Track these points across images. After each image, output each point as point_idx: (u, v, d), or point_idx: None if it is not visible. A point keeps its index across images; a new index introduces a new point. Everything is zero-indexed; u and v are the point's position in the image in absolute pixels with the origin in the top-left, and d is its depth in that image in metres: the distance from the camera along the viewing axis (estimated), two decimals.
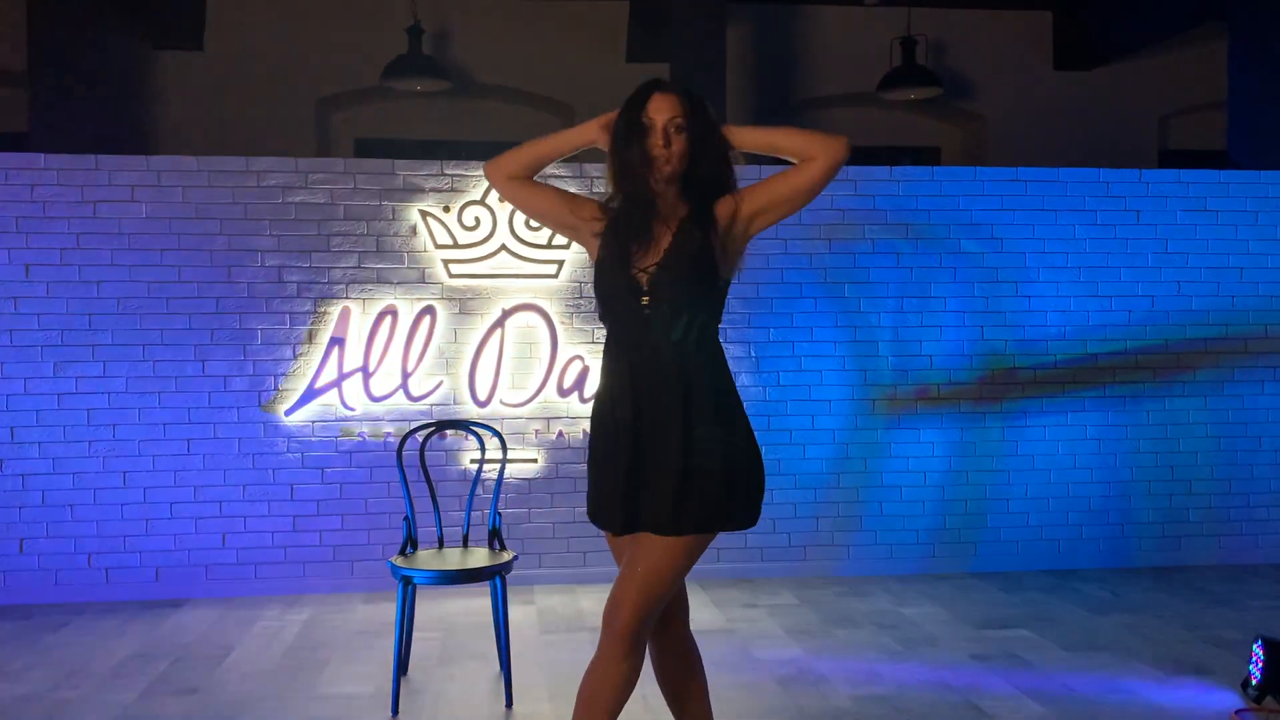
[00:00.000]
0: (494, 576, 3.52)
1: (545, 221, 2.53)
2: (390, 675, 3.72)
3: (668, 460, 2.25)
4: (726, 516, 2.31)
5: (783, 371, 5.24)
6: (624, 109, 2.31)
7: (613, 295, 2.30)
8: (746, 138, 2.37)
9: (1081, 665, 3.91)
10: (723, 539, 5.20)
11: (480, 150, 7.40)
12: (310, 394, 4.97)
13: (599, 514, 2.40)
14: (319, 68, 7.76)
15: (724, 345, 5.19)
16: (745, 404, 5.18)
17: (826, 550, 5.27)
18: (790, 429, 5.24)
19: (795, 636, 4.26)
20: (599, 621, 4.47)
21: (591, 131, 2.39)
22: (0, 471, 4.81)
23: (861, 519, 5.30)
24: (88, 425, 4.86)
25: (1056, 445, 5.41)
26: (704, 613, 4.60)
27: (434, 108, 8.03)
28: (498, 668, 3.81)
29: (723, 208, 2.34)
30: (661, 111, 2.28)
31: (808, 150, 2.35)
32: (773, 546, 5.24)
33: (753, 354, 5.23)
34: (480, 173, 5.09)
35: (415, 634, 4.03)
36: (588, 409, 5.10)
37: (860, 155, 7.69)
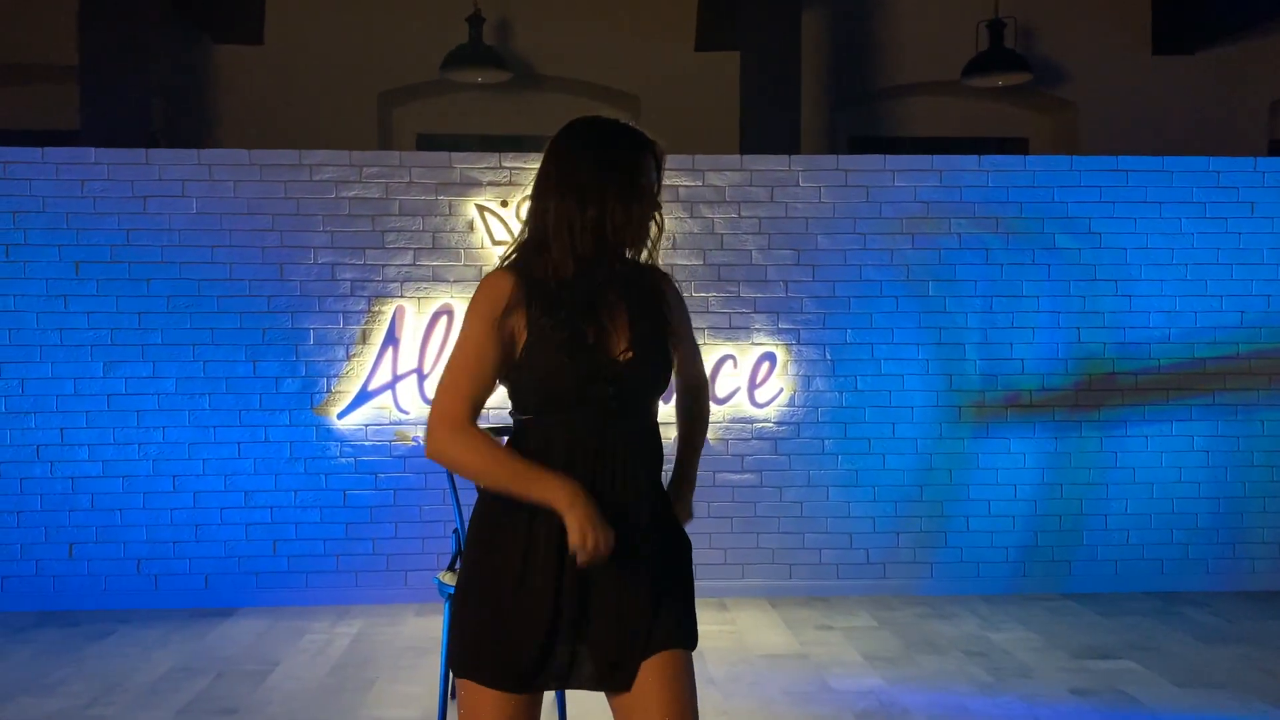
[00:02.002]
0: None
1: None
2: (437, 698, 3.48)
3: (639, 575, 1.84)
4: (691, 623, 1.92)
5: (861, 376, 4.91)
6: (626, 163, 1.85)
7: (569, 387, 1.82)
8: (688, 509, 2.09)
9: (1196, 704, 3.52)
10: (798, 554, 4.89)
11: (543, 144, 7.16)
12: (364, 396, 4.77)
13: (507, 666, 1.80)
14: (379, 61, 7.60)
15: (797, 346, 4.93)
16: (820, 410, 4.90)
17: (907, 568, 4.92)
18: (869, 437, 4.90)
19: (874, 664, 3.93)
20: None
21: (558, 500, 1.77)
22: (50, 474, 4.70)
23: (946, 535, 4.94)
24: (137, 427, 4.72)
25: (1160, 457, 4.99)
26: (775, 635, 4.29)
27: (496, 101, 7.83)
28: (553, 693, 3.55)
29: (667, 285, 1.98)
30: (657, 175, 1.90)
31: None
32: (849, 563, 4.90)
33: (828, 357, 4.91)
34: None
35: None
36: None
37: (942, 146, 7.33)
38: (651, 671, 1.82)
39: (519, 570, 1.81)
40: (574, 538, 1.75)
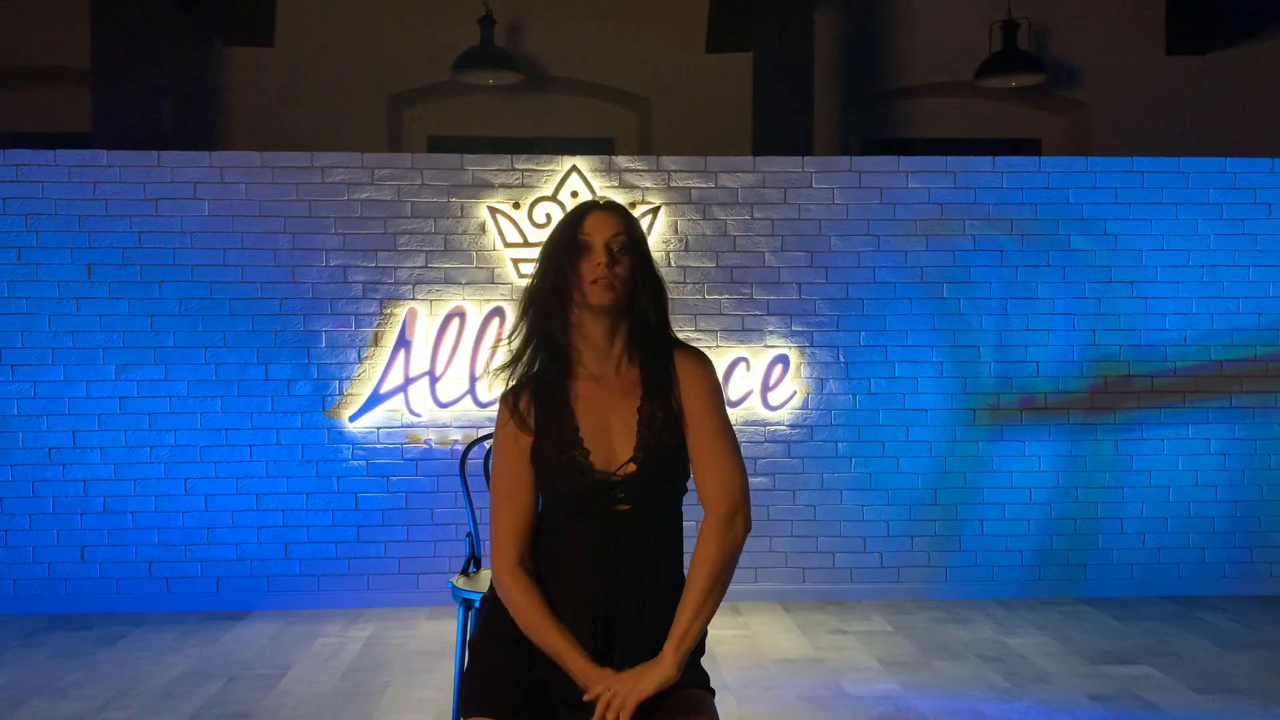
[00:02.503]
0: None
1: None
2: (451, 703, 3.46)
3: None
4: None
5: (875, 379, 4.88)
6: (555, 231, 1.92)
7: (572, 500, 1.85)
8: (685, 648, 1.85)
9: (1217, 711, 3.48)
10: (812, 558, 4.86)
11: (555, 146, 7.17)
12: (375, 399, 4.76)
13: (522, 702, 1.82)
14: (390, 63, 7.59)
15: (811, 349, 4.90)
16: (833, 413, 4.87)
17: (922, 572, 4.89)
18: (883, 440, 4.87)
19: (890, 668, 3.90)
20: None
21: (582, 681, 1.81)
22: (62, 477, 4.69)
23: (960, 538, 4.90)
24: (149, 430, 4.72)
25: (1176, 460, 4.95)
26: (789, 639, 4.26)
27: (507, 103, 7.81)
28: None
29: (685, 366, 1.91)
30: (602, 229, 1.86)
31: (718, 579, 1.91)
32: (863, 567, 4.87)
33: (842, 359, 4.88)
34: (552, 166, 4.83)
35: None
36: None
37: (956, 147, 7.28)
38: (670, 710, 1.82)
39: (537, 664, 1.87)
40: (599, 678, 1.81)
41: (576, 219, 1.91)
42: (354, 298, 4.77)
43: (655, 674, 1.80)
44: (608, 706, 1.78)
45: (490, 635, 1.93)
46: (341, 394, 4.76)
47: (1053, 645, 4.19)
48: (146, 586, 4.71)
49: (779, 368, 4.85)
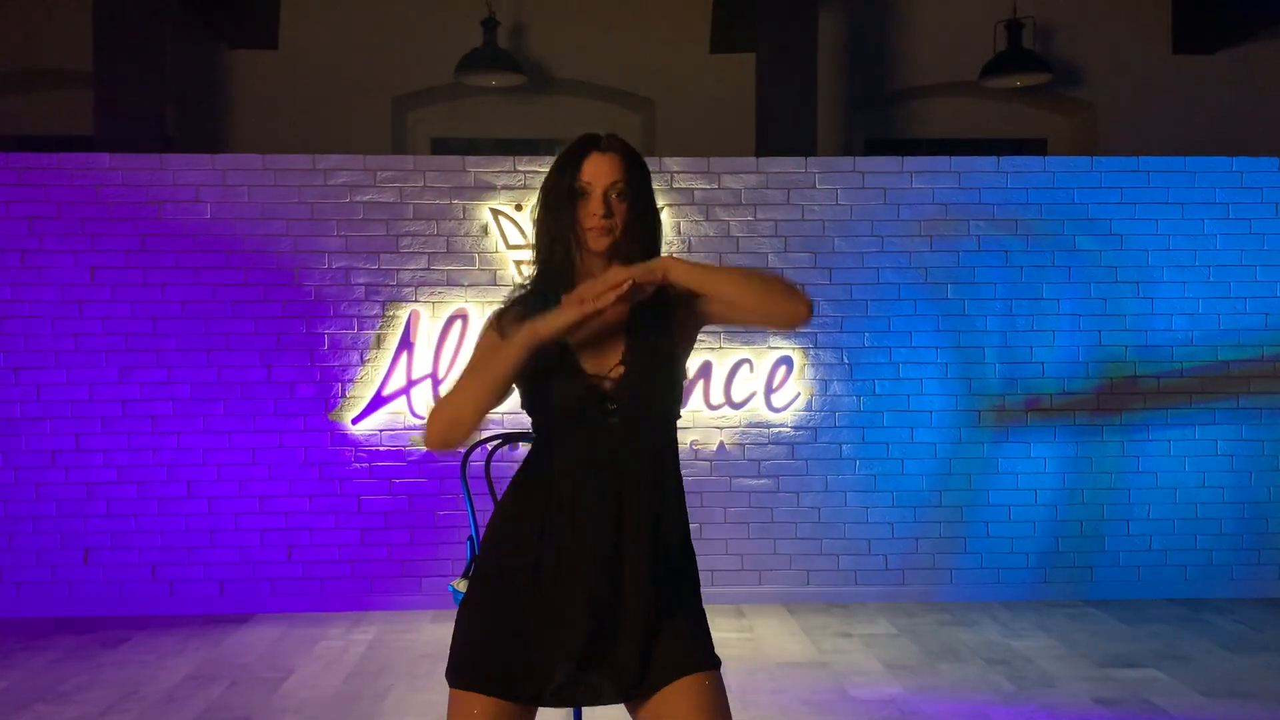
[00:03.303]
0: None
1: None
2: None
3: (642, 604, 1.80)
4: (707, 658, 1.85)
5: (879, 380, 4.86)
6: (555, 169, 1.90)
7: (565, 407, 1.82)
8: (683, 273, 1.82)
9: (1224, 714, 3.45)
10: (816, 560, 4.84)
11: (558, 148, 7.12)
12: (378, 401, 4.75)
13: (512, 674, 1.78)
14: (393, 65, 7.58)
15: (814, 350, 4.88)
16: (838, 414, 4.85)
17: (927, 574, 4.87)
18: (887, 442, 4.85)
19: (895, 672, 3.88)
20: None
21: (525, 338, 1.78)
22: (65, 480, 4.69)
23: (965, 540, 4.88)
24: (152, 433, 4.71)
25: (1183, 462, 4.92)
26: (793, 642, 4.25)
27: (510, 105, 7.80)
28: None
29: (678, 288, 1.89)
30: (601, 175, 1.84)
31: (763, 308, 1.89)
32: (868, 569, 4.85)
33: (846, 361, 4.86)
34: None
35: None
36: None
37: (961, 147, 7.25)
38: (681, 695, 1.78)
39: (527, 582, 1.80)
40: (569, 314, 1.75)
41: (576, 161, 1.86)
42: (356, 300, 4.76)
43: (646, 262, 1.80)
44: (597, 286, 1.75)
45: (483, 597, 1.85)
46: (344, 396, 4.75)
47: (1059, 648, 4.16)
48: (150, 590, 4.71)
49: (783, 369, 4.84)
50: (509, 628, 1.80)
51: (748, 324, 1.98)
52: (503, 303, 1.94)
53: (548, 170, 1.90)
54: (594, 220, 1.84)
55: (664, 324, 1.89)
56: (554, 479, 1.83)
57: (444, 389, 4.57)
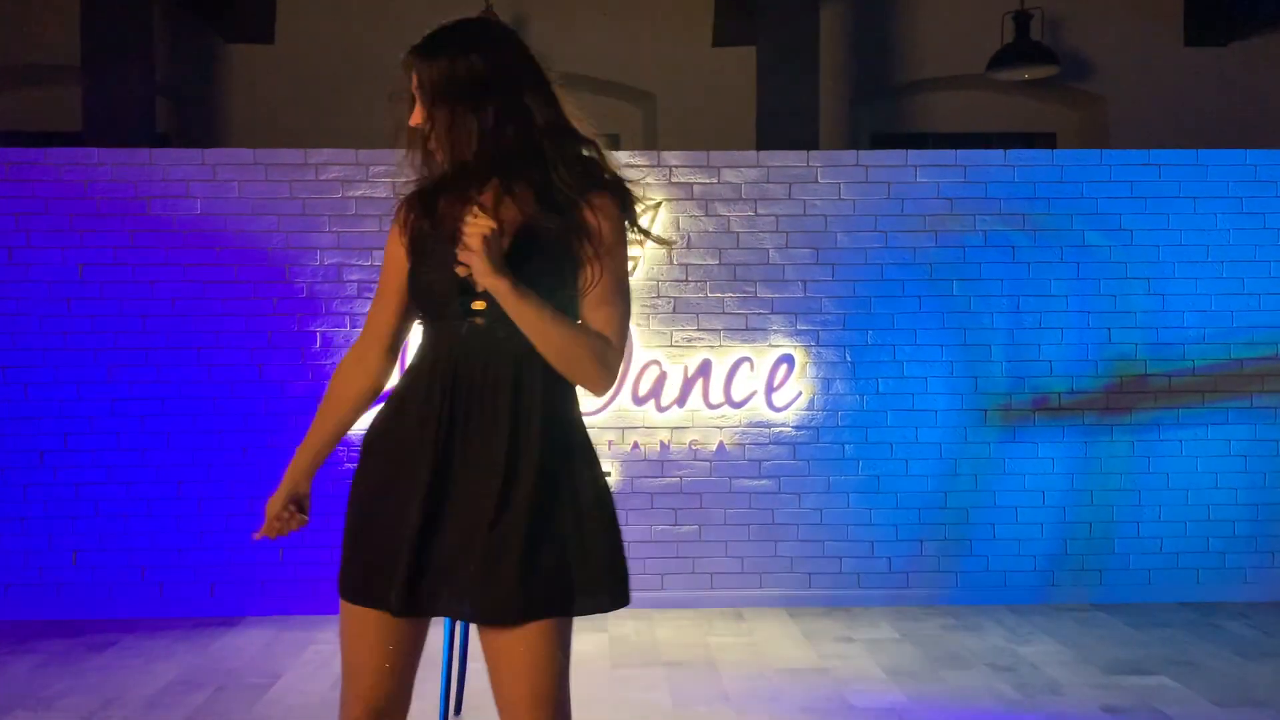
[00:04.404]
0: None
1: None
2: (438, 714, 3.35)
3: (497, 510, 1.69)
4: (595, 587, 1.74)
5: (883, 379, 4.75)
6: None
7: (431, 296, 1.75)
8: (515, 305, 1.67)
9: None
10: (818, 563, 4.74)
11: None
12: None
13: (369, 581, 1.74)
14: (391, 60, 7.50)
15: (816, 348, 4.78)
16: (840, 414, 4.75)
17: (932, 577, 4.76)
18: (891, 442, 4.74)
19: (897, 679, 3.78)
20: (675, 654, 4.07)
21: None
22: (53, 480, 4.61)
23: (971, 543, 4.77)
24: (141, 432, 4.64)
25: (1195, 462, 4.81)
26: (793, 647, 4.15)
27: None
28: None
29: (589, 215, 1.73)
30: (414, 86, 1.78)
31: (557, 365, 1.72)
32: (871, 572, 4.75)
33: (849, 359, 4.75)
34: None
35: (473, 665, 3.67)
36: (665, 418, 4.70)
37: (967, 141, 7.15)
38: (524, 639, 1.69)
39: (377, 484, 1.78)
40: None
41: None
42: (349, 297, 4.68)
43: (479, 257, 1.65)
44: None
45: (351, 500, 1.83)
46: None
47: (1066, 654, 4.06)
48: (139, 592, 4.63)
49: (784, 368, 4.73)
50: (363, 533, 1.77)
51: None
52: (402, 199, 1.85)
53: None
54: (415, 121, 1.78)
55: (567, 233, 1.73)
56: (418, 371, 1.77)
57: None
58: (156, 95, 5.94)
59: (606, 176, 1.79)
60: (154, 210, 4.63)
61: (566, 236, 1.72)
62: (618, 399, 4.68)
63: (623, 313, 1.77)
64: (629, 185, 1.80)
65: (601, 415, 4.68)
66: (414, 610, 1.73)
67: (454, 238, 1.68)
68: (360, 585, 1.77)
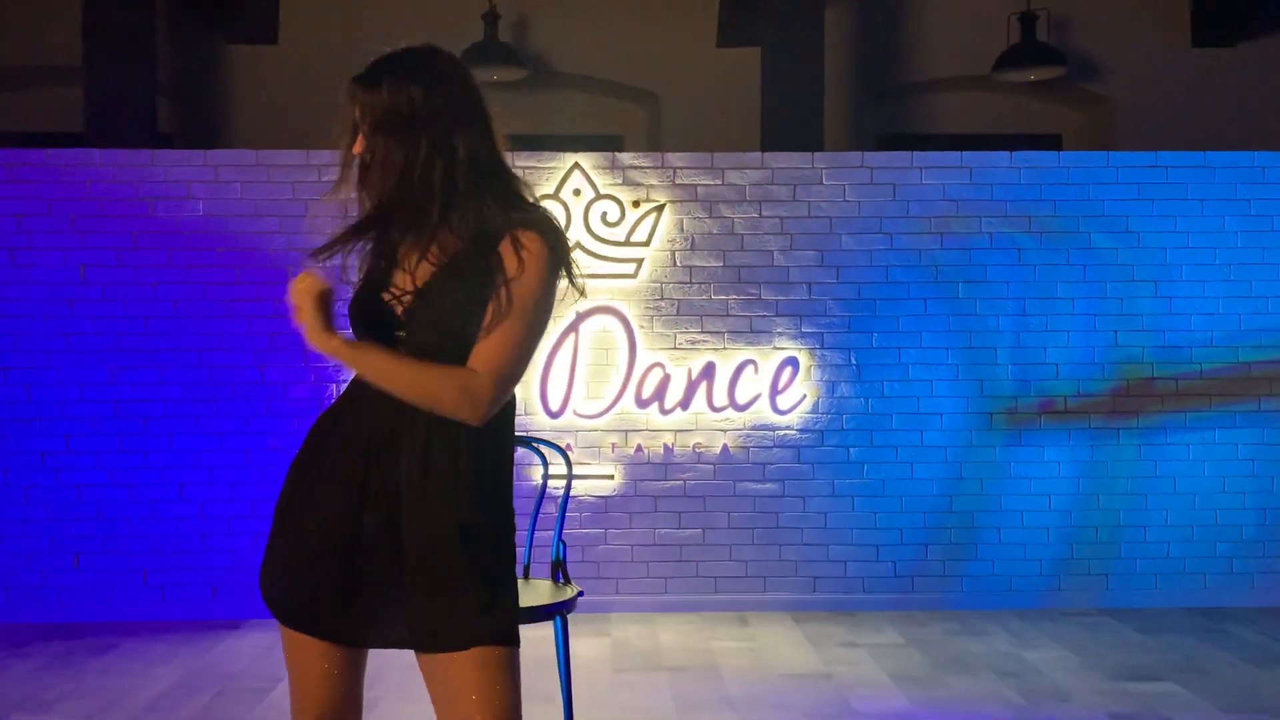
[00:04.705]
0: (554, 616, 3.11)
1: None
2: None
3: (434, 535, 1.73)
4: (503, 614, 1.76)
5: (888, 381, 4.72)
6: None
7: (355, 320, 1.81)
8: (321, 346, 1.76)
9: None
10: (822, 567, 4.72)
11: (562, 143, 7.02)
12: None
13: (297, 602, 1.77)
14: None
15: (821, 351, 4.75)
16: (845, 417, 4.72)
17: (936, 581, 4.73)
18: (896, 446, 4.71)
19: (901, 684, 3.75)
20: (678, 658, 4.05)
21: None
22: (55, 482, 4.60)
23: (977, 547, 4.74)
24: (144, 434, 4.62)
25: (1202, 466, 4.77)
26: (797, 652, 4.12)
27: (511, 99, 7.69)
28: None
29: (507, 249, 1.73)
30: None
31: (418, 404, 1.73)
32: (875, 576, 4.72)
33: (854, 362, 4.72)
34: (554, 164, 4.70)
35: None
36: (668, 421, 4.68)
37: (973, 142, 7.10)
38: (468, 666, 1.71)
39: (296, 505, 1.80)
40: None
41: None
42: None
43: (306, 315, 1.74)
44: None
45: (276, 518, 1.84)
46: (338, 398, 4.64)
47: (1072, 659, 4.03)
48: (141, 595, 4.61)
49: (788, 370, 4.71)
50: (280, 554, 1.80)
51: None
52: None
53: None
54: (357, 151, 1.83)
55: (489, 266, 1.72)
56: (340, 397, 1.84)
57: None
58: (159, 96, 5.92)
59: (536, 214, 1.78)
60: (156, 211, 4.62)
61: (488, 271, 1.73)
62: (621, 402, 4.66)
63: (513, 342, 1.72)
64: (556, 224, 1.81)
65: (605, 418, 4.66)
66: (347, 639, 1.83)
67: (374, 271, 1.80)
68: (287, 603, 1.82)
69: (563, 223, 4.64)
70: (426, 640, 1.73)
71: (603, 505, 4.69)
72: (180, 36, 7.20)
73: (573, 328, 4.64)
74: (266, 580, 1.82)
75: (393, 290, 1.76)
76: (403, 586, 1.74)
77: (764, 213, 4.74)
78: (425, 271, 1.75)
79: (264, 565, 1.84)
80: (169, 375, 4.62)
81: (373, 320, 1.77)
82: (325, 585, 1.76)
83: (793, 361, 4.71)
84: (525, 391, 4.63)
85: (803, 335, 4.73)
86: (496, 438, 1.81)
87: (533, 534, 3.45)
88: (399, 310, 1.75)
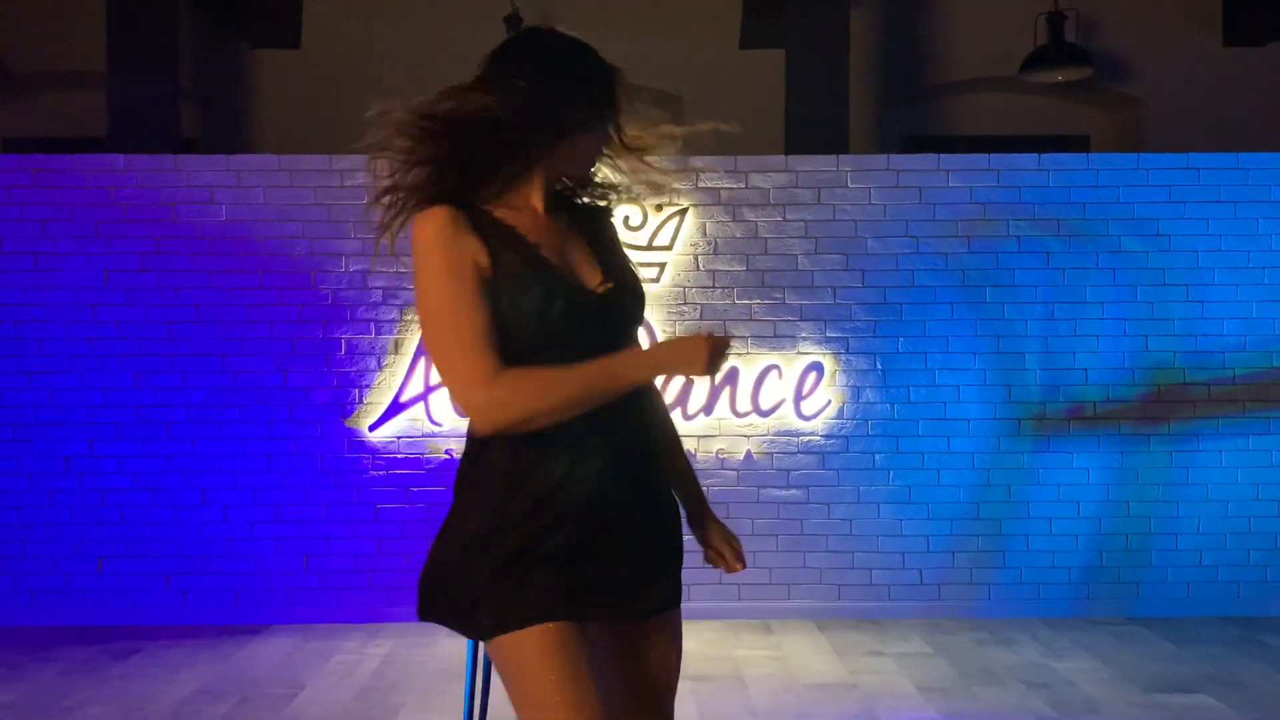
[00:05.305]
0: None
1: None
2: None
3: (656, 520, 1.85)
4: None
5: (914, 387, 4.66)
6: (593, 85, 1.75)
7: (567, 322, 1.66)
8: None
9: None
10: (847, 574, 4.66)
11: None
12: (396, 408, 4.63)
13: (601, 592, 1.73)
14: (417, 64, 7.48)
15: (846, 356, 4.70)
16: (870, 423, 4.66)
17: (964, 589, 4.66)
18: (923, 452, 4.65)
19: (928, 695, 3.70)
20: (705, 667, 4.00)
21: (651, 361, 1.71)
22: (79, 486, 4.61)
23: (1004, 555, 4.67)
24: (167, 438, 4.62)
25: (1235, 473, 4.69)
26: (822, 661, 4.07)
27: None
28: None
29: (609, 219, 1.93)
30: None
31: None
32: (902, 584, 4.66)
33: (879, 366, 4.67)
34: None
35: (496, 680, 3.62)
36: (692, 426, 4.63)
37: (1000, 144, 7.03)
38: (664, 630, 1.82)
39: (568, 502, 1.70)
40: (700, 367, 1.69)
41: (608, 81, 1.77)
42: (374, 304, 4.65)
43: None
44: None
45: (507, 533, 1.70)
46: (361, 402, 4.64)
47: (1103, 670, 3.96)
48: (164, 599, 4.62)
49: (813, 376, 4.66)
50: (548, 552, 1.70)
51: None
52: (436, 202, 1.71)
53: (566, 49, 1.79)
54: (633, 140, 1.80)
55: (619, 245, 1.86)
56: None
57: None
58: (182, 101, 5.94)
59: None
60: (179, 216, 4.62)
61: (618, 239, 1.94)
62: None
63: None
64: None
65: None
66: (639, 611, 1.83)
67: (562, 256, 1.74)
68: (540, 599, 1.70)
69: None
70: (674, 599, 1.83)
71: None
72: (203, 41, 7.23)
73: None
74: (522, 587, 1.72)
75: (588, 285, 1.73)
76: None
77: (788, 216, 4.69)
78: (582, 256, 1.77)
79: (505, 574, 1.71)
80: (191, 380, 4.62)
81: (584, 314, 1.70)
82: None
83: (817, 366, 4.66)
84: None
85: (827, 340, 4.68)
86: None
87: None
88: (596, 302, 1.72)
